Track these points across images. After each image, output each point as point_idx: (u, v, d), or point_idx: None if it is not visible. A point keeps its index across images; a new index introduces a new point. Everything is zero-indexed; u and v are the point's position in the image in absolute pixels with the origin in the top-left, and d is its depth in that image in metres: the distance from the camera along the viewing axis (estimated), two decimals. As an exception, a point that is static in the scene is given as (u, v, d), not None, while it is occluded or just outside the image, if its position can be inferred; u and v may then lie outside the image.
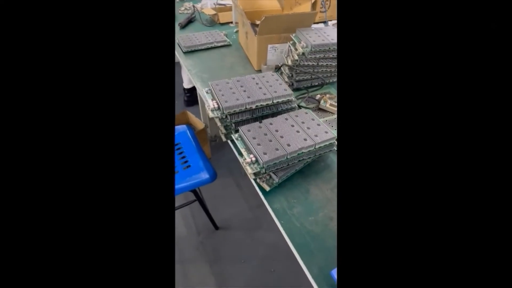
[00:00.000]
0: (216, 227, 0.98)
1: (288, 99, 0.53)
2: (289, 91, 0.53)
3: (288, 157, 0.44)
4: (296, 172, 0.49)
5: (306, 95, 0.66)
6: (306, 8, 0.86)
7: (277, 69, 0.70)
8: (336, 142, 0.50)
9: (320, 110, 0.63)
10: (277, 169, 0.45)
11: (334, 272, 0.33)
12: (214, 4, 1.12)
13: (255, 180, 0.47)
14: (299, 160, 0.46)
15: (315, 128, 0.48)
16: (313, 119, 0.50)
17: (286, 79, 0.68)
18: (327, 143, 0.47)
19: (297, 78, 0.66)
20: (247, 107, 0.50)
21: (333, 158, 0.52)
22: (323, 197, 0.46)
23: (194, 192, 0.80)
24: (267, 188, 0.46)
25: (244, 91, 0.52)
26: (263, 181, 0.47)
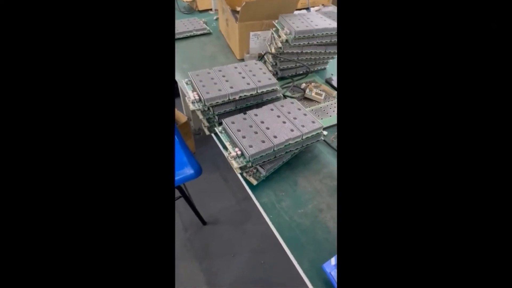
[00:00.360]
0: (204, 223, 0.96)
1: (273, 89, 0.51)
2: (274, 80, 0.51)
3: (275, 149, 0.42)
4: (283, 164, 0.48)
5: (291, 84, 0.64)
6: (288, -7, 0.83)
7: (261, 57, 0.68)
8: (323, 132, 0.49)
9: (305, 99, 0.62)
10: (264, 162, 0.44)
11: (326, 266, 0.32)
12: (191, -10, 1.07)
13: (241, 174, 0.45)
14: (286, 152, 0.45)
15: (302, 118, 0.46)
16: (299, 109, 0.48)
17: (270, 68, 0.65)
18: (314, 133, 0.45)
19: (281, 67, 0.64)
20: (230, 98, 0.47)
21: (320, 148, 0.51)
22: (312, 189, 0.45)
23: (179, 188, 0.77)
24: (254, 182, 0.44)
25: (227, 81, 0.49)
26: (249, 175, 0.45)
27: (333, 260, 0.32)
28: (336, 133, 0.54)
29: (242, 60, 0.73)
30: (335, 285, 0.31)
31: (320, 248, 0.37)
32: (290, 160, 0.49)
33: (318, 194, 0.44)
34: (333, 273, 0.32)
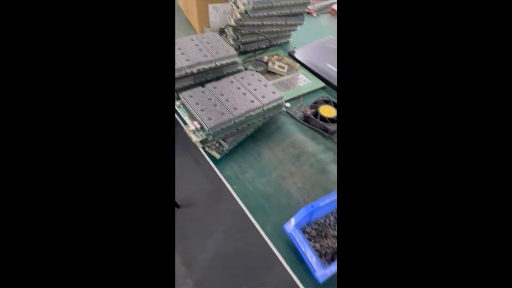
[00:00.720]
0: (177, 206, 0.95)
1: (233, 61, 0.50)
2: (232, 51, 0.49)
3: (236, 121, 0.42)
4: (247, 137, 0.48)
5: (253, 57, 0.63)
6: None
7: (221, 31, 0.65)
8: (285, 103, 0.49)
9: (269, 73, 0.61)
10: (226, 135, 0.43)
11: (286, 226, 0.34)
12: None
13: (203, 148, 0.44)
14: (249, 124, 0.45)
15: (262, 89, 0.46)
16: (259, 80, 0.47)
17: (232, 42, 0.63)
18: (275, 103, 0.46)
19: (243, 40, 0.63)
20: (186, 71, 0.46)
21: (283, 120, 0.52)
22: (275, 159, 0.45)
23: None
24: (218, 156, 0.44)
25: (182, 54, 0.47)
26: (212, 149, 0.45)
27: (293, 220, 0.33)
28: (299, 104, 0.55)
29: (203, 35, 0.70)
30: (295, 243, 0.33)
31: (283, 212, 0.38)
32: (254, 133, 0.49)
33: (281, 164, 0.45)
34: (293, 233, 0.33)
